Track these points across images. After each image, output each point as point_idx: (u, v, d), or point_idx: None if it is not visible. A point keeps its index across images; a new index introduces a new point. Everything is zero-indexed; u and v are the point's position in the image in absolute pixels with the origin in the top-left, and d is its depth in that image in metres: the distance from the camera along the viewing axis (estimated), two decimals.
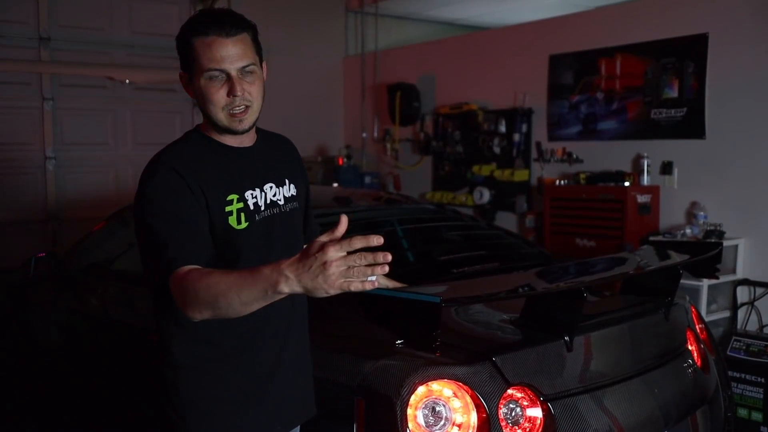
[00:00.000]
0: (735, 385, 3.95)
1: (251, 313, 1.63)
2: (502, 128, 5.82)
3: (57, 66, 5.91)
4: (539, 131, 5.61)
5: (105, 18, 6.14)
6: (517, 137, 5.71)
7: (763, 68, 4.28)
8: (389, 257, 1.34)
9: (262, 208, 1.78)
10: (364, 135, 7.30)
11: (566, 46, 5.36)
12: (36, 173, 5.95)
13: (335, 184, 6.30)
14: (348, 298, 2.11)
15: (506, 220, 5.79)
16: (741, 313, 4.40)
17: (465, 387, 1.98)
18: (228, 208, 1.71)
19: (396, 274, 2.81)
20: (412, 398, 1.95)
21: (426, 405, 1.96)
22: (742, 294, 4.40)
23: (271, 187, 1.82)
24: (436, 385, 1.98)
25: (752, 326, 4.36)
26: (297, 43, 7.15)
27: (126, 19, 6.20)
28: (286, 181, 1.88)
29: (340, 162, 6.80)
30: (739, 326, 4.38)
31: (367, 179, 6.73)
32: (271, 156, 1.87)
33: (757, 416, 3.98)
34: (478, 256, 3.13)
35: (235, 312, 1.45)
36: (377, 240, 1.33)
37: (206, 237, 1.66)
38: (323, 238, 1.34)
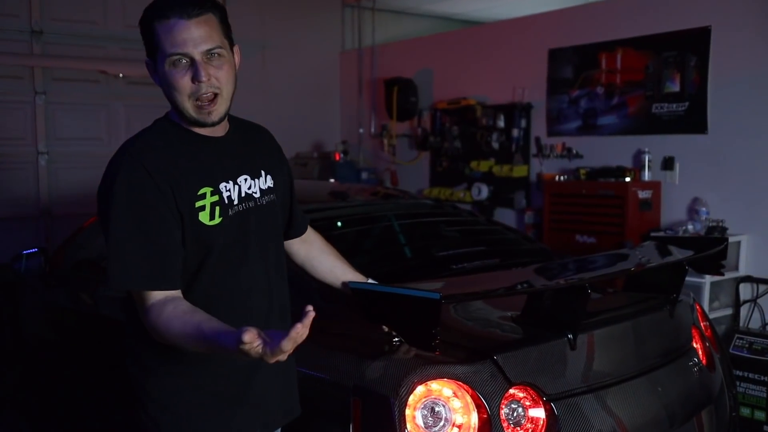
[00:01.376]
0: (737, 383, 3.89)
1: (226, 313, 1.55)
2: (501, 123, 5.76)
3: (49, 59, 5.82)
4: (538, 126, 5.55)
5: (98, 11, 6.06)
6: (515, 132, 5.64)
7: (766, 61, 4.22)
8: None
9: (236, 202, 1.68)
10: (361, 130, 7.24)
11: (566, 40, 5.29)
12: (28, 168, 5.86)
13: (332, 180, 6.23)
14: (344, 295, 2.06)
15: (505, 217, 5.73)
16: (743, 311, 4.34)
17: (465, 386, 1.92)
18: (199, 203, 1.61)
19: (394, 270, 2.74)
20: (411, 398, 1.88)
21: (425, 405, 1.90)
22: (745, 291, 4.34)
23: (245, 180, 1.72)
24: (435, 385, 1.91)
25: (755, 324, 4.30)
26: (293, 37, 7.08)
27: (119, 12, 6.11)
28: (262, 172, 1.78)
29: (337, 157, 6.72)
30: (741, 324, 4.32)
31: (364, 175, 6.66)
32: (246, 146, 1.77)
33: (760, 415, 3.92)
34: (477, 252, 3.07)
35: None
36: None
37: (173, 248, 1.58)
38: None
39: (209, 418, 1.70)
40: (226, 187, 1.67)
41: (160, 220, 1.56)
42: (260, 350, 1.26)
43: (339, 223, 3.03)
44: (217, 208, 1.64)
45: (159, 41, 1.56)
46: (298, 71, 7.14)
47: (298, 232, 2.02)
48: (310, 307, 1.28)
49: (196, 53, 1.55)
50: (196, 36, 1.55)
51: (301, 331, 1.24)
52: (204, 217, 1.61)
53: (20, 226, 5.79)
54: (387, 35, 7.35)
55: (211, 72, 1.57)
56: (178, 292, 1.57)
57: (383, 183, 6.76)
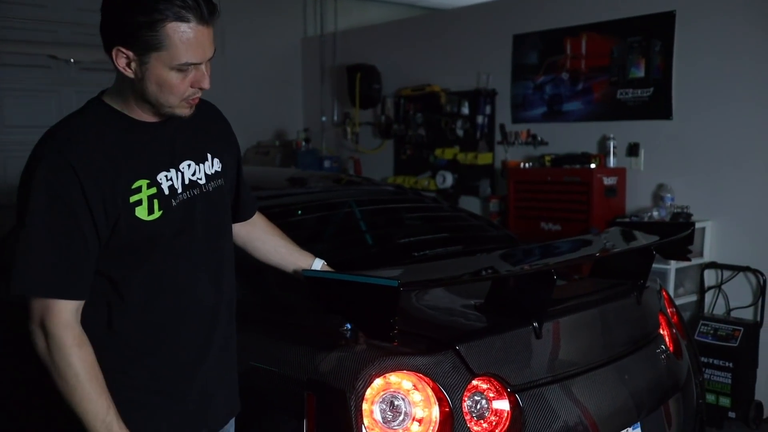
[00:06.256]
0: (703, 370, 3.87)
1: (172, 306, 1.46)
2: (465, 110, 5.68)
3: None
4: (503, 113, 5.47)
5: None
6: (480, 119, 5.56)
7: (730, 47, 4.18)
8: None
9: (179, 191, 1.55)
10: (324, 118, 7.10)
11: (530, 25, 5.22)
12: None
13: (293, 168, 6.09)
14: (297, 283, 1.95)
15: (470, 205, 5.65)
16: (708, 297, 4.32)
17: (426, 379, 1.82)
18: (134, 198, 1.48)
19: (354, 258, 2.63)
20: (368, 392, 1.78)
21: (383, 399, 1.80)
22: (710, 277, 4.32)
23: (189, 165, 1.58)
24: (394, 377, 1.81)
25: (719, 310, 4.28)
26: (253, 23, 6.91)
27: None
28: (208, 155, 1.64)
29: (299, 146, 6.60)
30: (706, 310, 4.30)
31: (327, 163, 6.53)
32: (189, 128, 1.61)
33: (725, 401, 3.91)
34: (440, 238, 2.98)
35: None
36: None
37: (87, 257, 1.44)
38: None
39: (150, 417, 1.58)
40: (167, 176, 1.53)
41: (77, 225, 1.42)
42: None
43: (299, 212, 2.91)
44: (156, 201, 1.50)
45: (169, 43, 1.40)
46: (259, 58, 6.98)
47: (245, 216, 1.89)
48: None
49: (205, 61, 1.47)
50: (207, 44, 1.45)
51: None
52: (141, 212, 1.48)
53: None
54: (350, 21, 7.22)
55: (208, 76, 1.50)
56: (82, 303, 1.46)
57: (347, 171, 6.64)
